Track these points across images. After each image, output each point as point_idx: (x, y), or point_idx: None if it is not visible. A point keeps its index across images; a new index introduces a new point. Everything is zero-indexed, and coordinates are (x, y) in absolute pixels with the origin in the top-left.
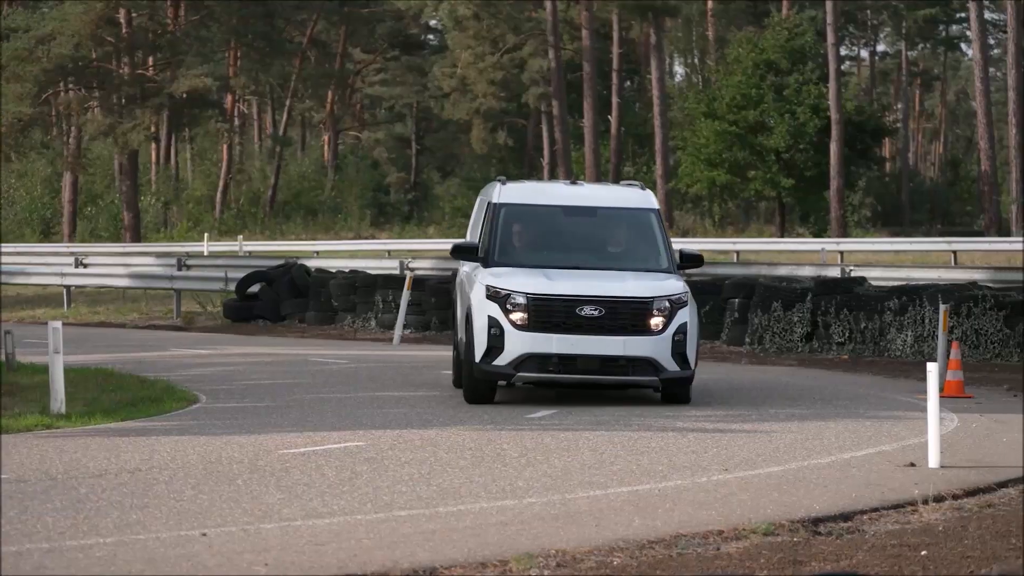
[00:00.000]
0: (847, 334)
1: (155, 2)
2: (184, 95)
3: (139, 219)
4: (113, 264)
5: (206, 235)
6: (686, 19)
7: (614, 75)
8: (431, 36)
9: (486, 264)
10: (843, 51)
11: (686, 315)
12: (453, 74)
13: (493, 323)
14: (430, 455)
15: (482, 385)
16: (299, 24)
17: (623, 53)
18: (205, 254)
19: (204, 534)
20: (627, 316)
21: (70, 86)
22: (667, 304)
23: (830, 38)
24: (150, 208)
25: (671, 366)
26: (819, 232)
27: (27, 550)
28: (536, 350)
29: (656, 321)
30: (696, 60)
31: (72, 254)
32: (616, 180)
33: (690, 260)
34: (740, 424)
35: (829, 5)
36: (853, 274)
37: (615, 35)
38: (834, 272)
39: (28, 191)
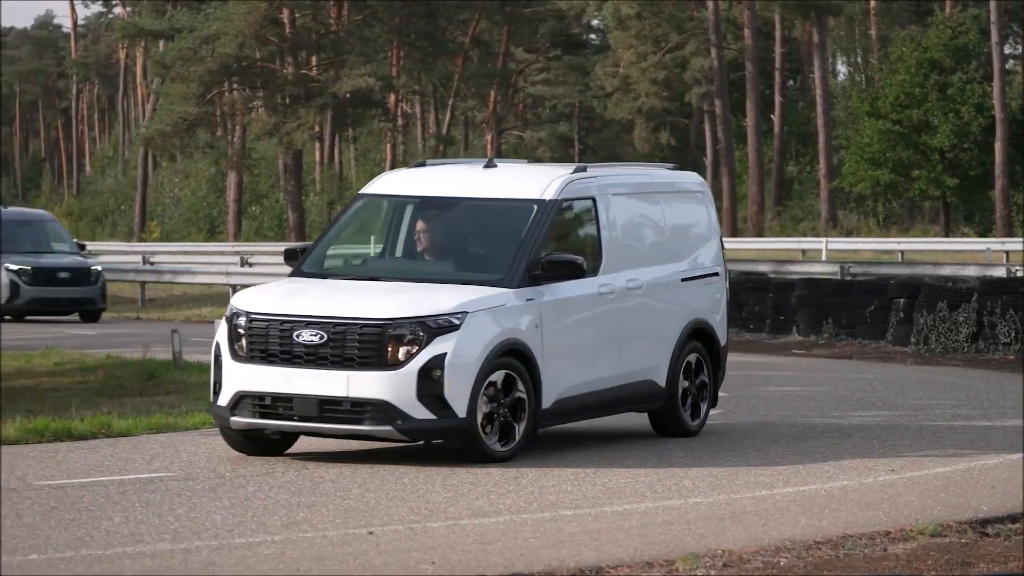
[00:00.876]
0: (1013, 334)
1: (318, 2)
2: (347, 95)
3: (303, 218)
4: (278, 263)
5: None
6: (849, 18)
7: (777, 74)
8: (593, 36)
9: (292, 273)
10: (1007, 49)
11: (450, 344)
12: (615, 73)
13: (216, 352)
14: (596, 455)
15: (229, 433)
16: (461, 24)
17: (786, 52)
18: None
19: (371, 532)
20: (354, 344)
21: (234, 86)
22: (420, 329)
23: (994, 36)
24: (314, 207)
25: (418, 412)
26: (984, 232)
27: (195, 547)
28: (249, 388)
29: (399, 352)
30: (859, 59)
31: (237, 253)
32: (780, 181)
33: (556, 268)
34: (906, 424)
35: (993, 4)
36: (1019, 274)
37: (778, 34)
38: (1000, 272)
39: (193, 191)
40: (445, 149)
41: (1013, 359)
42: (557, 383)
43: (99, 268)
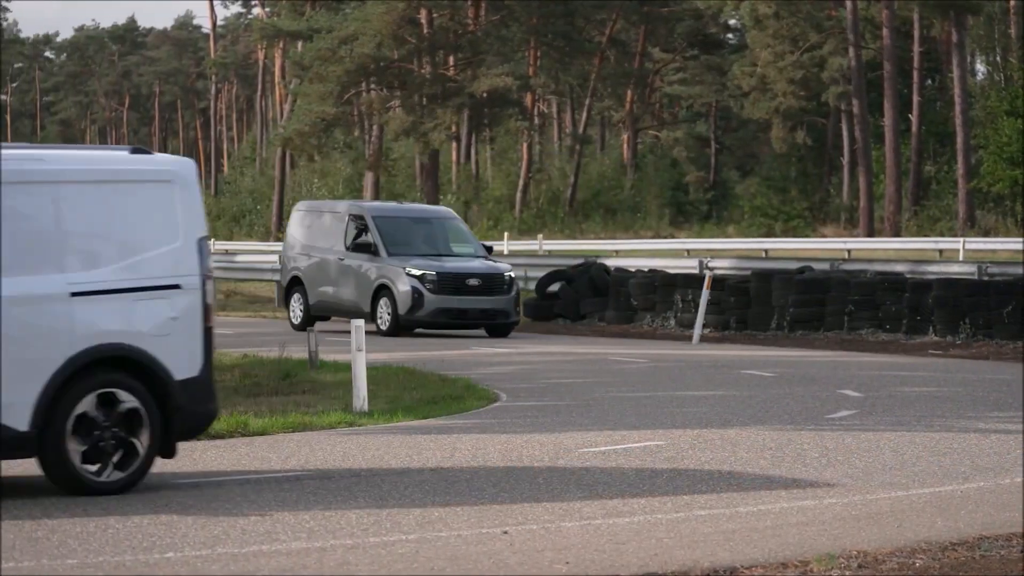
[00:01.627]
0: None
1: (456, 2)
2: (484, 94)
3: None
4: None
5: (506, 234)
6: (988, 16)
7: (915, 73)
8: (730, 35)
9: None
10: None
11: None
12: (753, 73)
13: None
14: (730, 454)
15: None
16: (598, 23)
17: (924, 51)
18: (505, 253)
19: (505, 532)
20: (494, 284)
21: (372, 86)
22: (510, 276)
23: None
24: (450, 207)
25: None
26: None
27: (331, 546)
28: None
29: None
30: (998, 58)
31: None
32: (917, 181)
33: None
34: None
35: None
36: None
37: (916, 33)
38: None
39: (330, 191)
40: (582, 149)
41: None
42: None
43: (511, 273)
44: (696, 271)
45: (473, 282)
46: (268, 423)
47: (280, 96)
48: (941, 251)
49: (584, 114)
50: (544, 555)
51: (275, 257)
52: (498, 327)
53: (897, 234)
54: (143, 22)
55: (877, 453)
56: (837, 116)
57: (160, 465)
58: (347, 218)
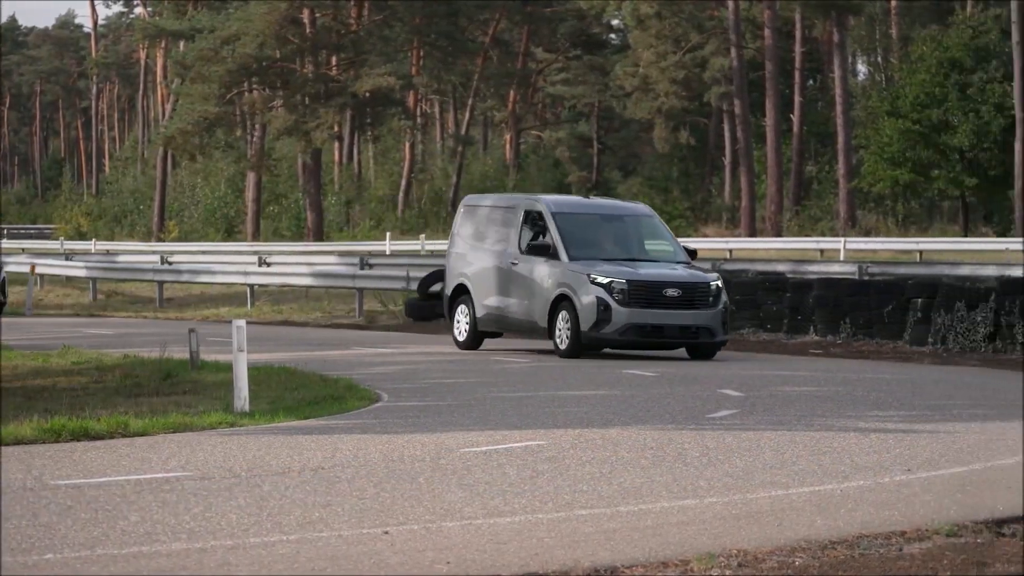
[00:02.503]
0: None
1: (338, 2)
2: (367, 94)
3: (322, 218)
4: (296, 263)
5: (388, 234)
6: (869, 17)
7: (796, 73)
8: (613, 35)
9: None
10: None
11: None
12: (635, 73)
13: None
14: (611, 454)
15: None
16: (481, 23)
17: (805, 51)
18: (387, 253)
19: (386, 532)
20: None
21: (254, 86)
22: (716, 287)
23: (1015, 36)
24: (332, 207)
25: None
26: (1003, 232)
27: (211, 547)
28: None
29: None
30: (879, 58)
31: (256, 253)
32: (799, 181)
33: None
34: (923, 424)
35: (1014, 3)
36: None
37: (798, 33)
38: (1018, 272)
39: (212, 190)
40: (464, 149)
41: None
42: None
43: (719, 283)
44: None
45: (672, 292)
46: (149, 424)
47: (162, 96)
48: (822, 251)
49: (467, 114)
50: (425, 555)
51: (156, 257)
52: (701, 348)
53: (778, 234)
54: (24, 21)
55: (757, 452)
56: (719, 116)
57: (40, 465)
58: (522, 215)
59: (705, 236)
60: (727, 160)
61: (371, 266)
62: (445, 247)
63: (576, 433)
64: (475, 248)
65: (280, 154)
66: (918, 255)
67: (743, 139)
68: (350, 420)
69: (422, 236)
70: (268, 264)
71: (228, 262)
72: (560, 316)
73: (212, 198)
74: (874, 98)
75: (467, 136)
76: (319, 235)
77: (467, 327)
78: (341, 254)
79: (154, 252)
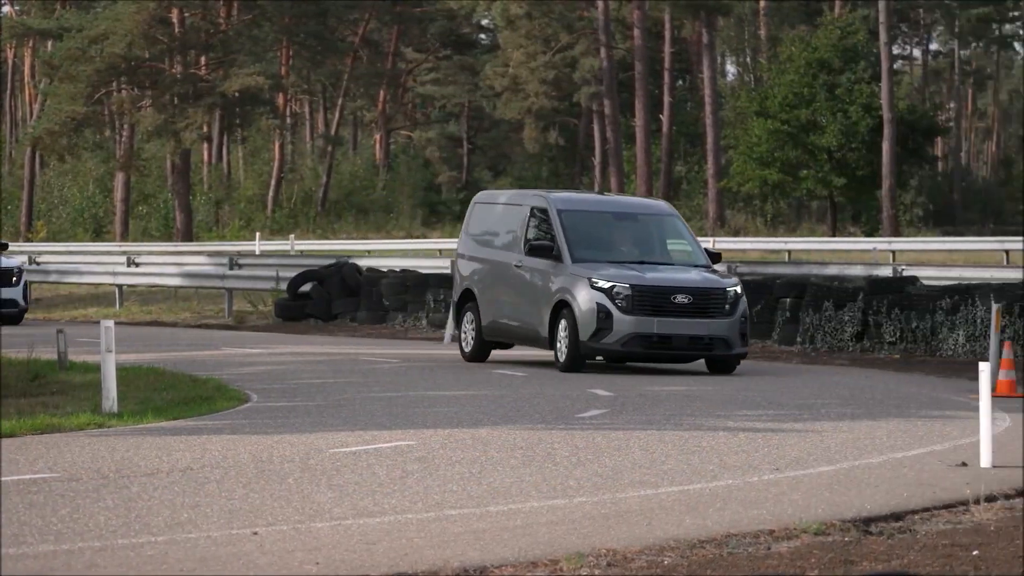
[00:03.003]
0: (899, 334)
1: (207, 1)
2: (236, 94)
3: (191, 218)
4: (165, 263)
5: (258, 234)
6: (738, 18)
7: (666, 74)
8: (483, 35)
9: None
10: (895, 50)
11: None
12: (505, 73)
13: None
14: (481, 454)
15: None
16: (351, 23)
17: (675, 52)
18: (257, 253)
19: (255, 533)
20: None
21: (123, 86)
22: (733, 293)
23: (882, 37)
24: (202, 207)
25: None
26: (871, 231)
27: (79, 548)
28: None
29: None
30: (748, 59)
31: (124, 253)
32: (668, 181)
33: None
34: (791, 424)
35: (882, 4)
36: (905, 273)
37: (667, 34)
38: (886, 271)
39: (81, 191)
40: (334, 149)
41: (898, 358)
42: None
43: (737, 289)
44: (448, 271)
45: (681, 299)
46: (15, 425)
47: (30, 95)
48: None
49: (336, 114)
50: (294, 556)
51: (24, 258)
52: (718, 361)
53: None
54: None
55: (627, 452)
56: (589, 116)
57: None
58: (528, 213)
59: None
60: (596, 160)
61: (240, 266)
62: (314, 247)
63: (446, 433)
64: (481, 250)
65: (149, 154)
66: (787, 255)
67: (613, 139)
68: (219, 421)
69: (291, 236)
70: (137, 264)
71: (97, 262)
72: (560, 325)
73: (81, 198)
74: (743, 98)
75: (337, 136)
76: (188, 235)
77: (472, 337)
78: (210, 254)
79: (22, 252)
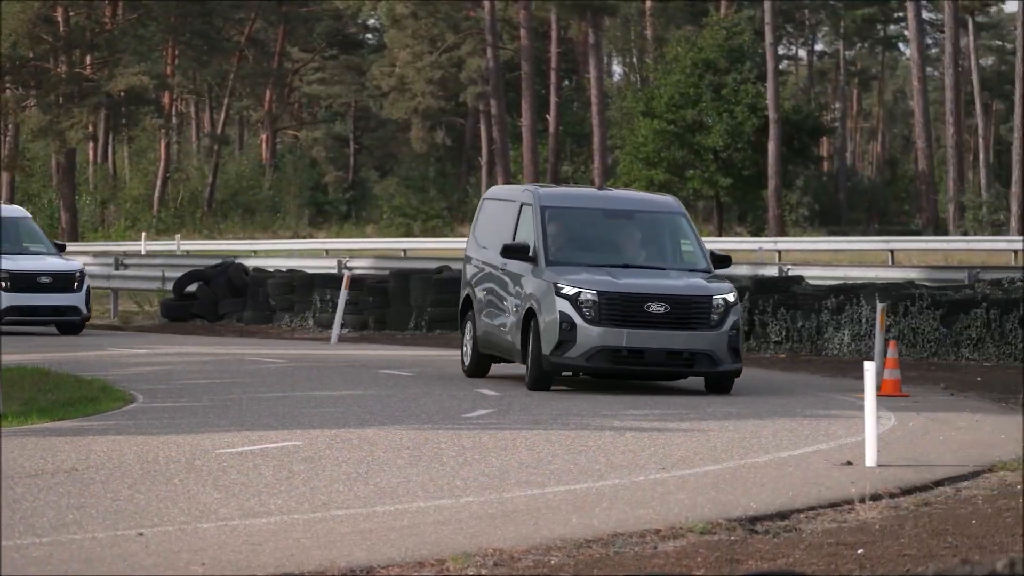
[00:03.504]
0: (784, 333)
1: (93, 1)
2: (122, 93)
3: (76, 218)
4: None
5: (143, 234)
6: (624, 18)
7: (552, 74)
8: (369, 35)
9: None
10: (781, 50)
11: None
12: (391, 73)
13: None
14: (367, 454)
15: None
16: (237, 23)
17: (561, 52)
18: (143, 253)
19: (141, 534)
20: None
21: (7, 85)
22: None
23: (768, 37)
24: (87, 207)
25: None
26: (757, 231)
27: None
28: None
29: (715, 318)
30: (634, 59)
31: None
32: (555, 181)
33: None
34: (678, 423)
35: (767, 4)
36: (790, 273)
37: (553, 34)
38: (772, 271)
39: None
40: (220, 149)
41: (784, 357)
42: None
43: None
44: (335, 271)
45: (656, 308)
46: None
47: None
48: None
49: (223, 113)
50: (180, 556)
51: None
52: (709, 379)
53: None
54: None
55: (513, 451)
56: (475, 116)
57: None
58: (518, 211)
59: (463, 236)
60: (484, 160)
61: (126, 266)
62: (200, 247)
63: (332, 433)
64: (480, 252)
65: (33, 154)
66: None
67: (499, 139)
68: (104, 421)
69: (178, 236)
70: None
71: None
72: (531, 336)
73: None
74: (629, 99)
75: (223, 136)
76: (73, 235)
77: (470, 349)
78: (96, 254)
79: None
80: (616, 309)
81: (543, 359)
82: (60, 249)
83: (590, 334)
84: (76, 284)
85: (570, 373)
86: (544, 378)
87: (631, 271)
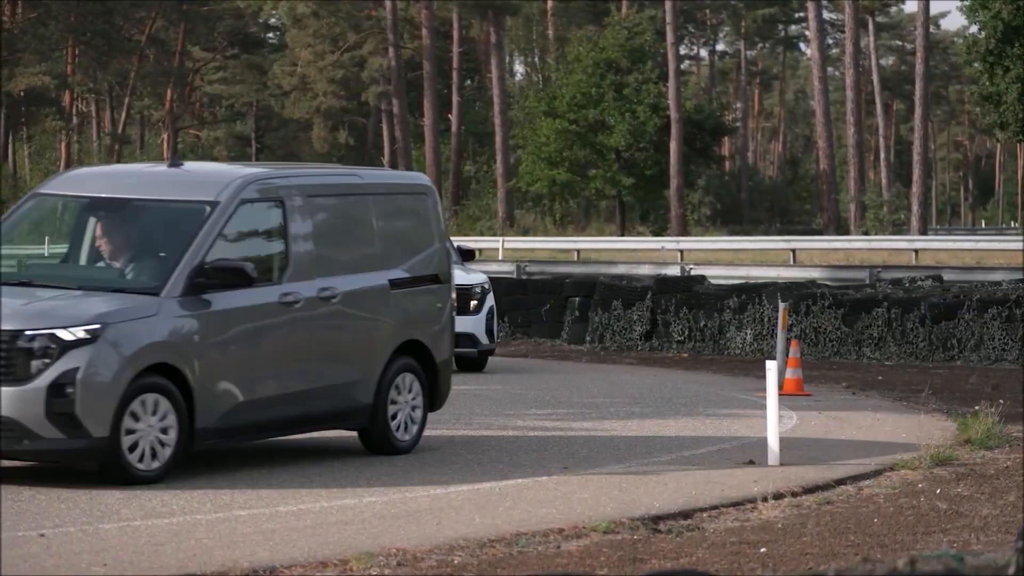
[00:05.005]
0: (687, 332)
1: None
2: (21, 93)
3: None
4: None
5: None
6: (526, 18)
7: (454, 74)
8: (271, 34)
9: None
10: (682, 50)
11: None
12: (293, 72)
13: None
14: (270, 455)
15: None
16: (137, 22)
17: (463, 52)
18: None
19: (42, 535)
20: None
21: None
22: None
23: (669, 37)
24: None
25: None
26: (659, 231)
27: None
28: None
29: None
30: (536, 59)
31: None
32: (457, 180)
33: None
34: (581, 423)
35: (668, 4)
36: (693, 272)
37: (455, 34)
38: (674, 270)
39: None
40: (121, 148)
41: (686, 357)
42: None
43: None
44: None
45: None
46: None
47: None
48: (481, 250)
49: (123, 113)
50: (82, 557)
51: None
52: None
53: None
54: None
55: (416, 451)
56: (377, 116)
57: None
58: None
59: None
60: (386, 160)
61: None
62: None
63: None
64: None
65: None
66: (576, 254)
67: (401, 138)
68: None
69: None
70: None
71: None
72: None
73: None
74: (531, 98)
75: (124, 135)
76: None
77: None
78: None
79: None
80: None
81: None
82: (467, 257)
83: None
84: (473, 304)
85: None
86: None
87: None
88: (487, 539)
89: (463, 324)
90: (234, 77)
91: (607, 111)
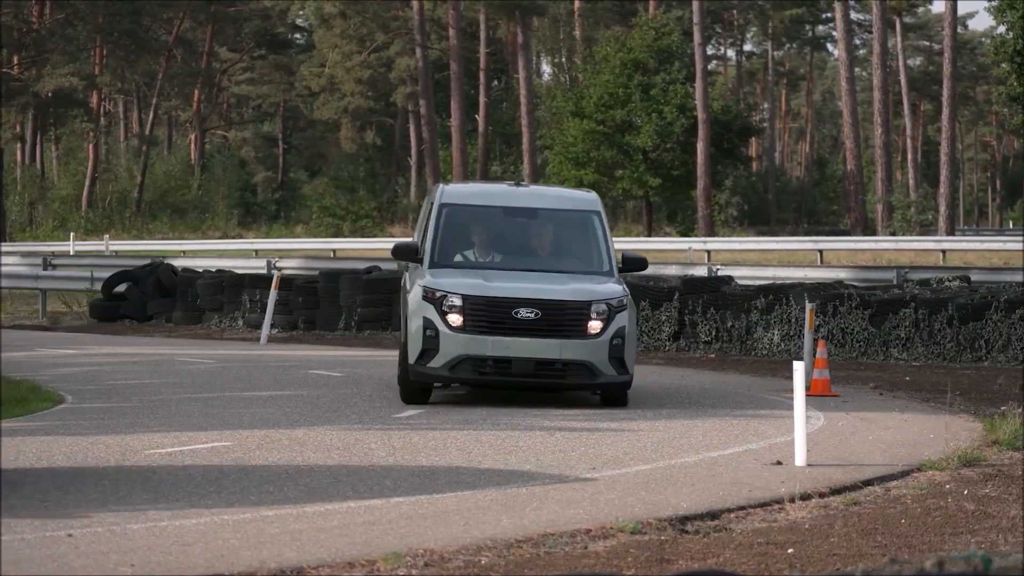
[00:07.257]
0: (714, 333)
1: (20, 0)
2: (50, 94)
3: (4, 218)
4: None
5: (72, 234)
6: (553, 18)
7: (481, 74)
8: (298, 35)
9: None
10: (710, 51)
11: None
12: (321, 73)
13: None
14: (297, 455)
15: (417, 386)
16: (165, 22)
17: (490, 52)
18: (71, 253)
19: (70, 535)
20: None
21: None
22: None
23: (696, 38)
24: (15, 208)
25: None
26: (686, 231)
27: None
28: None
29: (594, 325)
30: (563, 59)
31: None
32: (485, 179)
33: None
34: (608, 423)
35: (696, 5)
36: (720, 273)
37: (482, 34)
38: (701, 271)
39: None
40: (149, 149)
41: (714, 357)
42: None
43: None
44: (264, 271)
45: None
46: None
47: None
48: None
49: (151, 114)
50: (109, 557)
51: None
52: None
53: None
54: None
55: (444, 452)
56: (405, 116)
57: None
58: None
59: (392, 236)
60: (413, 160)
61: (55, 266)
62: (129, 247)
63: (262, 434)
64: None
65: None
66: None
67: (429, 139)
68: (34, 422)
69: (106, 236)
70: None
71: None
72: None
73: None
74: (558, 99)
75: (151, 136)
76: (1, 235)
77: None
78: (24, 254)
79: None
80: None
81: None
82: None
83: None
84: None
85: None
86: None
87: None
88: (514, 539)
89: (571, 350)
90: (261, 78)
91: (634, 112)
